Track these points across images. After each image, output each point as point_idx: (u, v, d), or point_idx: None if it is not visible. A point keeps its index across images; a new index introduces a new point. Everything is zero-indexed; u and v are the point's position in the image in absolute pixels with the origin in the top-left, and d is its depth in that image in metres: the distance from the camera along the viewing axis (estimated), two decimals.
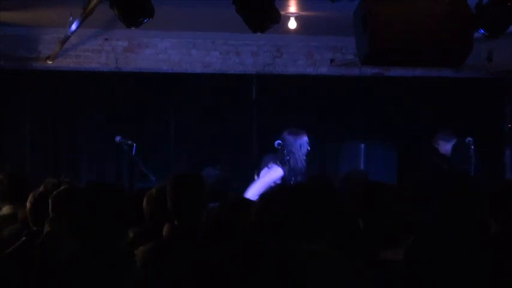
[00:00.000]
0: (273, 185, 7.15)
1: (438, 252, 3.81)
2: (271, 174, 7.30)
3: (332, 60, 9.96)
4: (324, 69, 9.99)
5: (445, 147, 8.89)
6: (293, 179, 7.42)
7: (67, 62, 9.17)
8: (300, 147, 7.36)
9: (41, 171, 8.61)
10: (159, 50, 9.49)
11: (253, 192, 7.03)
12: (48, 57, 8.97)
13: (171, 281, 3.67)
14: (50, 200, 4.19)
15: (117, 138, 7.60)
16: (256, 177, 7.54)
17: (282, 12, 6.41)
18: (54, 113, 9.17)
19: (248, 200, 4.43)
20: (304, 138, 7.43)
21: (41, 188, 4.79)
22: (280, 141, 7.39)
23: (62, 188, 4.39)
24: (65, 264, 3.32)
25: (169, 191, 4.08)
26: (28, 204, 4.49)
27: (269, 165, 7.35)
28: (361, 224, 3.97)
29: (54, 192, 4.27)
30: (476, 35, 5.70)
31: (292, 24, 8.04)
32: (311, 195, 3.70)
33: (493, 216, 3.89)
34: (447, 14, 5.33)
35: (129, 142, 7.52)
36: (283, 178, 7.24)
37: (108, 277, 3.25)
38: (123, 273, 3.29)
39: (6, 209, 5.16)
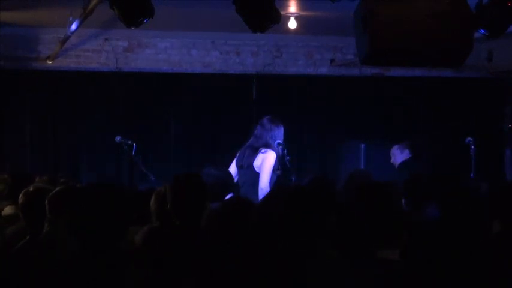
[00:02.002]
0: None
1: (437, 251, 3.81)
2: (270, 159, 7.25)
3: (332, 60, 9.96)
4: (324, 69, 9.99)
5: (396, 158, 8.64)
6: (293, 178, 7.42)
7: (67, 62, 9.18)
8: (279, 136, 7.38)
9: (41, 171, 8.60)
10: (159, 50, 9.49)
11: (267, 180, 7.10)
12: (48, 57, 8.97)
13: (171, 281, 3.67)
14: (46, 201, 4.17)
15: (117, 138, 7.59)
16: (234, 163, 7.45)
17: (282, 12, 6.41)
18: (54, 113, 9.18)
19: (248, 200, 4.43)
20: (282, 129, 7.43)
21: (31, 188, 4.73)
22: (279, 141, 7.39)
23: (58, 188, 4.36)
24: (64, 264, 3.32)
25: (169, 192, 4.07)
26: (20, 204, 4.48)
27: (262, 150, 7.30)
28: (362, 224, 3.97)
29: (51, 193, 4.24)
30: (476, 35, 5.70)
31: (292, 24, 8.04)
32: (311, 196, 3.70)
33: (495, 217, 3.89)
34: (447, 14, 5.32)
35: (129, 142, 7.52)
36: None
37: (108, 277, 3.25)
38: (123, 273, 3.29)
39: (8, 209, 5.15)
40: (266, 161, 7.24)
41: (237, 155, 7.47)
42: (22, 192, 4.55)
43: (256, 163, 7.30)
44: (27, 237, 4.08)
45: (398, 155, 8.46)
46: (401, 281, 3.56)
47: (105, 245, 3.29)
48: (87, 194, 3.43)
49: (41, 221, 4.28)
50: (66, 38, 7.92)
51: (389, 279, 3.54)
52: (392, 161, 8.48)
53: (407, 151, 8.49)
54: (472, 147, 8.10)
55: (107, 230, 3.31)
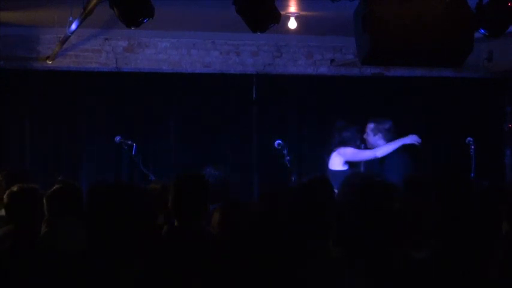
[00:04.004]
0: None
1: (442, 251, 3.80)
2: (347, 151, 7.83)
3: (332, 60, 9.96)
4: (324, 69, 9.99)
5: (368, 138, 8.01)
6: (293, 178, 7.47)
7: (67, 62, 9.17)
8: (350, 137, 7.84)
9: (41, 171, 8.60)
10: (159, 50, 9.48)
11: (373, 152, 7.81)
12: (48, 57, 8.96)
13: (171, 281, 3.67)
14: (44, 201, 4.14)
15: (117, 138, 7.60)
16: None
17: (282, 12, 6.41)
18: (54, 113, 9.16)
19: (248, 201, 4.44)
20: (352, 130, 7.89)
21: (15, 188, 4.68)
22: (280, 141, 7.41)
23: (56, 186, 4.32)
24: (63, 265, 3.32)
25: (171, 190, 4.06)
26: (5, 205, 4.46)
27: (335, 150, 7.84)
28: (362, 224, 3.97)
29: (49, 192, 4.21)
30: (476, 35, 5.70)
31: (292, 24, 8.04)
32: (312, 196, 3.70)
33: (505, 217, 3.90)
34: (447, 14, 5.32)
35: (129, 142, 7.53)
36: None
37: (107, 277, 3.24)
38: (123, 273, 3.29)
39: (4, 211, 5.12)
40: (348, 152, 7.79)
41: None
42: (6, 193, 4.51)
43: (332, 163, 7.77)
44: (15, 238, 4.03)
45: (371, 137, 7.95)
46: (402, 280, 3.55)
47: (104, 245, 3.29)
48: (83, 193, 3.43)
49: (27, 221, 4.23)
50: (66, 38, 7.92)
51: (390, 278, 3.54)
52: (364, 136, 8.03)
53: (379, 136, 7.93)
54: (472, 147, 8.09)
55: (105, 230, 3.31)
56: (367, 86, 9.96)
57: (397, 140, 7.79)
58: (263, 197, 4.87)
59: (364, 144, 7.92)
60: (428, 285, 3.58)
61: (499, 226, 3.93)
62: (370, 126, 8.00)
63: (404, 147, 7.91)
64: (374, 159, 7.80)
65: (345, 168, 7.74)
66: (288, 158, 7.44)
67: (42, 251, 3.70)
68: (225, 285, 3.60)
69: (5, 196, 4.51)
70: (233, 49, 9.68)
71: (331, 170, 7.68)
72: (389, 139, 7.87)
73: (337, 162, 7.73)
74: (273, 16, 5.95)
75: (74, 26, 7.08)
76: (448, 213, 4.36)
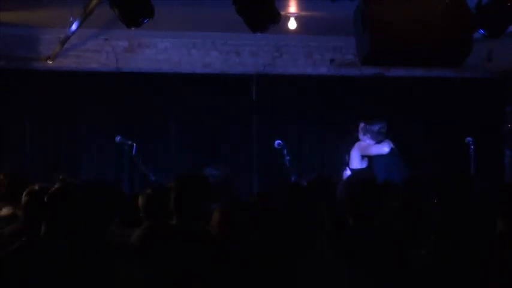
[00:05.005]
0: None
1: (441, 250, 3.81)
2: (360, 145, 8.12)
3: (332, 60, 9.96)
4: (323, 69, 9.99)
5: (359, 135, 8.26)
6: (293, 178, 7.49)
7: (67, 62, 9.17)
8: (364, 137, 8.11)
9: (41, 171, 8.61)
10: (159, 50, 9.48)
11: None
12: (48, 58, 8.97)
13: (171, 281, 3.67)
14: (45, 199, 4.13)
15: (117, 138, 7.60)
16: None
17: (282, 12, 6.42)
18: (54, 113, 9.17)
19: (248, 201, 4.44)
20: (365, 129, 8.11)
21: (36, 186, 4.71)
22: (280, 141, 7.42)
23: (55, 187, 4.32)
24: (62, 264, 3.32)
25: (173, 190, 4.08)
26: (23, 203, 4.47)
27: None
28: (351, 222, 3.97)
29: (49, 191, 4.20)
30: (476, 35, 5.70)
31: (292, 24, 8.05)
32: (310, 195, 3.70)
33: (501, 216, 3.90)
34: (447, 14, 5.33)
35: (129, 142, 7.53)
36: None
37: (107, 277, 3.25)
38: (123, 273, 3.29)
39: (6, 210, 5.13)
40: (362, 146, 8.11)
41: None
42: (26, 191, 4.53)
43: (351, 161, 8.07)
44: (24, 239, 4.02)
45: (361, 136, 8.20)
46: (399, 280, 3.56)
47: (102, 245, 3.29)
48: (81, 193, 3.43)
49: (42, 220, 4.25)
50: (67, 38, 7.92)
51: (388, 278, 3.54)
52: (357, 133, 8.28)
53: (368, 136, 8.19)
54: (472, 147, 8.10)
55: (103, 229, 3.31)
56: (367, 86, 9.96)
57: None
58: (262, 197, 4.88)
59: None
60: (428, 285, 3.59)
61: (495, 224, 3.93)
62: (361, 125, 8.26)
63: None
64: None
65: (364, 165, 7.83)
66: (288, 158, 7.45)
67: (42, 251, 3.70)
68: (225, 285, 3.61)
69: (25, 194, 4.54)
70: (233, 49, 9.68)
71: (351, 169, 7.78)
72: (378, 140, 8.00)
73: (355, 158, 7.90)
74: (273, 16, 5.96)
75: (74, 26, 7.09)
76: (447, 212, 4.37)
